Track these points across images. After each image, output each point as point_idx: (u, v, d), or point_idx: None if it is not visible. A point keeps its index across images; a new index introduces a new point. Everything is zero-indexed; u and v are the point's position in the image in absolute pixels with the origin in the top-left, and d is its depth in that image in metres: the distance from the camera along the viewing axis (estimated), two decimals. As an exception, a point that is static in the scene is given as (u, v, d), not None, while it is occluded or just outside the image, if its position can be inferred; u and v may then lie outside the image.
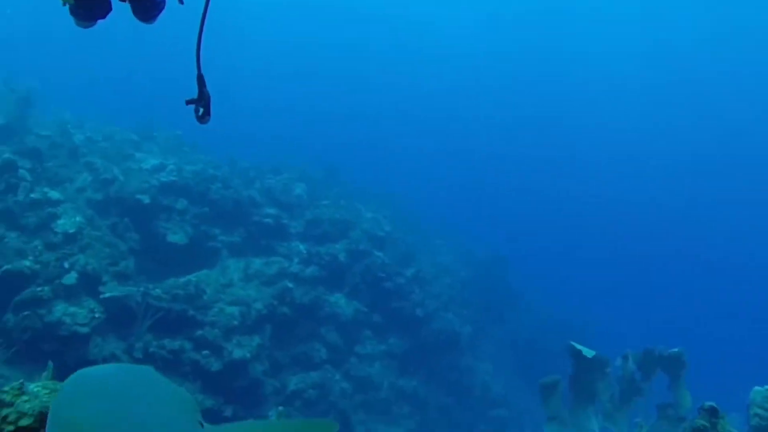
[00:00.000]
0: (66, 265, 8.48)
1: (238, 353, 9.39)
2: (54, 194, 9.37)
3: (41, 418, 2.24)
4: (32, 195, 9.05)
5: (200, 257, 10.65)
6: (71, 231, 8.92)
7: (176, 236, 10.20)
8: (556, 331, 16.41)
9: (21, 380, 2.21)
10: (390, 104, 37.50)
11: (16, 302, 7.71)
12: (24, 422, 2.23)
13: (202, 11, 2.63)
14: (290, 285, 10.78)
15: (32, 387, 2.27)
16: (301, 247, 11.73)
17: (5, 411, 2.15)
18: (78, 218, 9.17)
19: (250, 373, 9.61)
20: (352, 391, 11.27)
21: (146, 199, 10.34)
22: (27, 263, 8.06)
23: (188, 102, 2.71)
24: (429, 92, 39.07)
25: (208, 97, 2.72)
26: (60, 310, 7.89)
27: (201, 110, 2.70)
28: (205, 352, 9.19)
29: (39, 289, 7.92)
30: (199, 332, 9.21)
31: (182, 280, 9.59)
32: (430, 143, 34.50)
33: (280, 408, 9.01)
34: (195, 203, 10.94)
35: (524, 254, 22.47)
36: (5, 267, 7.83)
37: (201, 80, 2.70)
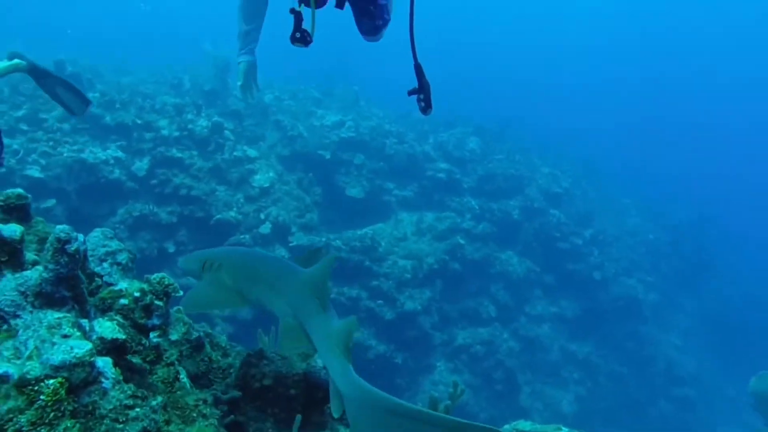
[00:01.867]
0: (262, 216, 9.37)
1: (409, 305, 9.60)
2: (251, 152, 10.30)
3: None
4: (235, 153, 10.04)
5: (375, 210, 10.98)
6: (266, 185, 9.78)
7: (354, 190, 10.60)
8: (768, 310, 13.89)
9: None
10: (572, 55, 34.16)
11: (225, 247, 8.82)
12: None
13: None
14: (462, 241, 10.58)
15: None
16: (474, 202, 11.39)
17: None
18: (271, 174, 10.00)
19: (421, 325, 9.83)
20: (519, 350, 10.93)
21: (327, 155, 10.86)
22: (232, 214, 9.08)
23: (410, 93, 2.65)
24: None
25: (428, 87, 2.61)
26: (259, 255, 8.83)
27: (422, 101, 2.62)
28: (380, 301, 9.56)
29: (242, 236, 8.92)
30: (375, 282, 9.58)
31: (359, 232, 9.99)
32: (617, 96, 30.84)
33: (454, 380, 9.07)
34: (371, 158, 11.19)
35: (735, 217, 19.10)
36: (217, 216, 8.92)
37: (419, 70, 2.59)
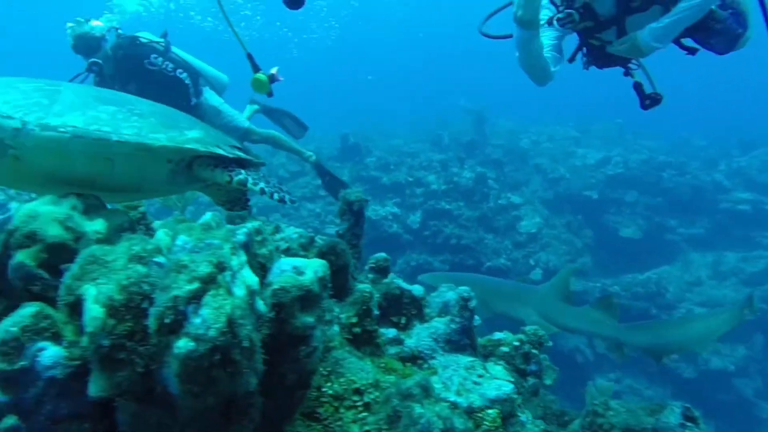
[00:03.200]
0: (531, 261, 9.58)
1: (716, 362, 8.43)
2: (515, 198, 10.70)
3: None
4: (499, 201, 10.59)
5: (657, 251, 10.10)
6: (533, 231, 10.01)
7: (628, 230, 10.00)
8: None
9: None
10: None
11: (498, 294, 9.26)
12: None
13: None
14: (782, 286, 8.92)
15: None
16: (796, 237, 9.56)
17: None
18: (537, 219, 10.19)
19: (737, 389, 8.49)
20: None
21: (594, 195, 10.56)
22: (502, 260, 9.51)
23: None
24: None
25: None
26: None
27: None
28: (674, 356, 8.64)
29: (513, 283, 9.27)
30: (666, 335, 8.74)
31: (642, 276, 9.31)
32: None
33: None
34: (645, 194, 10.46)
35: None
36: (487, 264, 9.47)
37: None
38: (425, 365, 2.14)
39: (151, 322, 1.00)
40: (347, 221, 3.73)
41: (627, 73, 2.93)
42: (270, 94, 3.29)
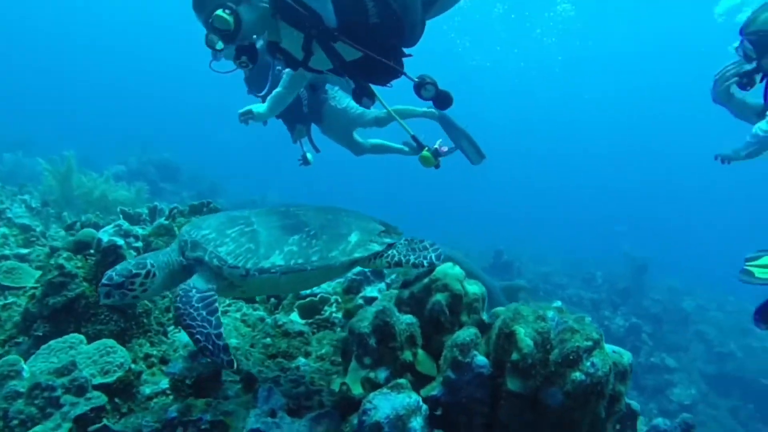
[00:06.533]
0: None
1: None
2: (670, 361, 10.60)
3: None
4: (651, 359, 10.58)
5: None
6: (686, 402, 9.77)
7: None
8: None
9: None
10: None
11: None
12: None
13: None
14: None
15: None
16: None
17: None
18: (692, 390, 9.97)
19: None
20: None
21: (775, 385, 10.15)
22: (642, 427, 9.39)
23: None
24: None
25: None
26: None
27: None
28: None
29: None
30: None
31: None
32: None
33: None
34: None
35: None
36: (629, 424, 9.40)
37: None
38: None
39: (556, 356, 1.87)
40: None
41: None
42: (437, 166, 3.50)
